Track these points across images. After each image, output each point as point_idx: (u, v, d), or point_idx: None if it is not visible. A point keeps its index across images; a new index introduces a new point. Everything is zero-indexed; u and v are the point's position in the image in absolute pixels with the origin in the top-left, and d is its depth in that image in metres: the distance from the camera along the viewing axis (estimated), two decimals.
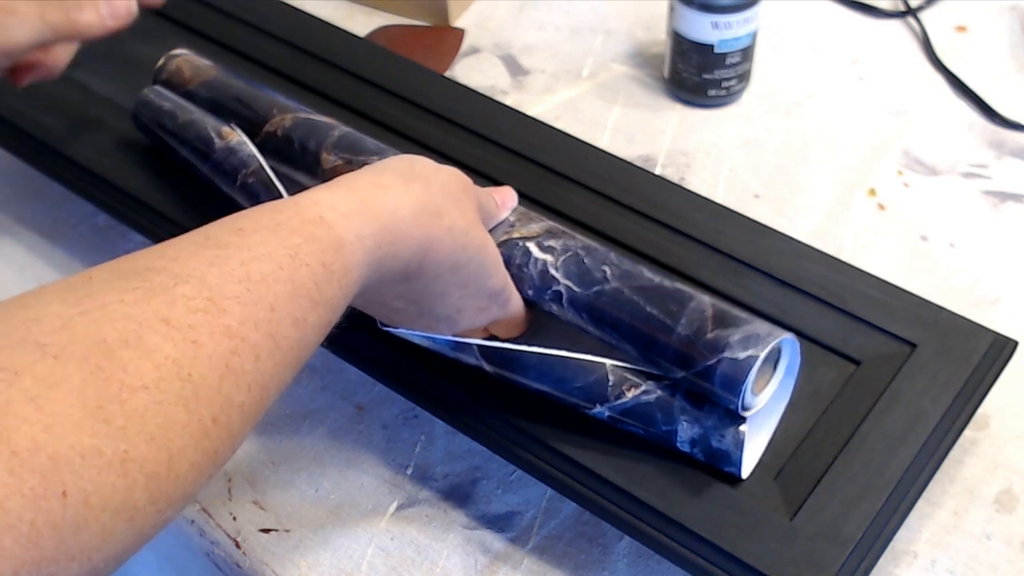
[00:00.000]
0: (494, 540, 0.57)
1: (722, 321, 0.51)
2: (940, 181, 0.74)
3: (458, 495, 0.59)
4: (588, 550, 0.57)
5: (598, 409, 0.53)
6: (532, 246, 0.56)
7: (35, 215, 0.75)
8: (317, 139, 0.61)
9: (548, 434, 0.54)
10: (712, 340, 0.50)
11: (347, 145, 0.60)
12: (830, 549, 0.49)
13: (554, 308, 0.56)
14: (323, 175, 0.60)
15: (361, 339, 0.58)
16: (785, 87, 0.82)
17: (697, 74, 0.78)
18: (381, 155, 0.59)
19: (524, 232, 0.57)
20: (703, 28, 0.75)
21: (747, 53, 0.78)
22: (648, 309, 0.52)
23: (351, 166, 0.58)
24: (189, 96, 0.67)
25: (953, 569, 0.55)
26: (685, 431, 0.52)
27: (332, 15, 0.86)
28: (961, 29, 0.85)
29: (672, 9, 0.77)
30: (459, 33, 0.86)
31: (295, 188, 0.55)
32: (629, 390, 0.53)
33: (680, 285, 0.54)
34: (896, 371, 0.55)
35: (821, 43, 0.85)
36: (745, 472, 0.52)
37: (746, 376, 0.49)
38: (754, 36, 0.77)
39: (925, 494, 0.54)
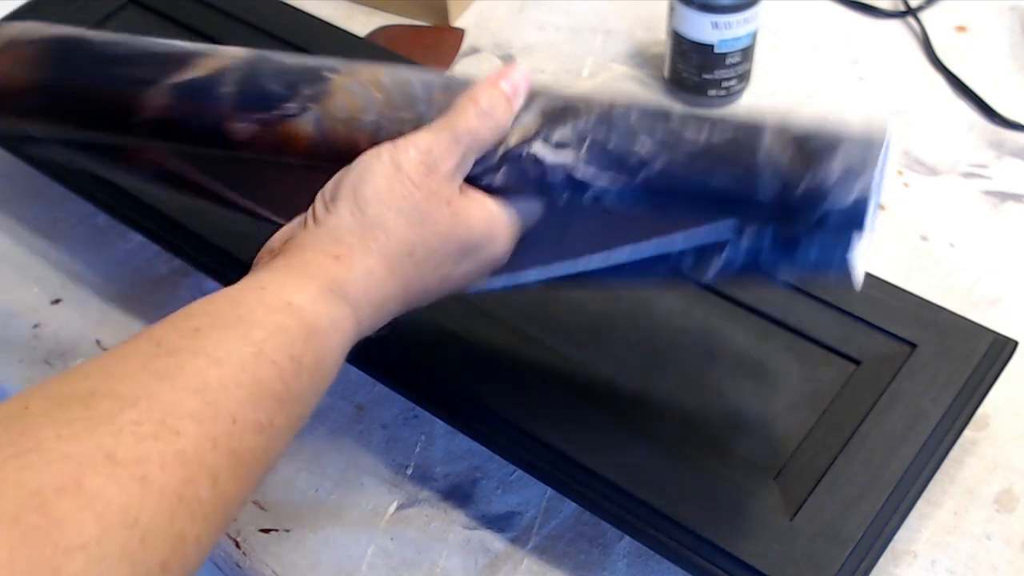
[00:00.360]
0: (494, 540, 0.57)
1: (806, 156, 0.42)
2: (940, 181, 0.74)
3: (458, 495, 0.59)
4: (588, 550, 0.57)
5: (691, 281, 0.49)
6: (540, 149, 0.47)
7: (35, 215, 0.75)
8: (211, 109, 0.52)
9: (548, 434, 0.54)
10: (806, 193, 0.42)
11: (255, 100, 0.51)
12: (830, 549, 0.49)
13: (599, 210, 0.46)
14: (238, 148, 0.52)
15: (361, 339, 0.58)
16: (785, 87, 0.82)
17: (697, 74, 0.78)
18: (302, 90, 0.51)
19: (520, 132, 0.47)
20: (703, 28, 0.75)
21: (747, 53, 0.78)
22: (714, 183, 0.44)
23: (272, 127, 0.51)
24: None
25: (953, 569, 0.55)
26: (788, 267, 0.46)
27: (332, 15, 0.86)
28: (961, 29, 0.85)
29: (672, 9, 0.77)
30: (459, 33, 0.86)
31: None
32: (712, 259, 0.46)
33: (732, 124, 0.45)
34: (896, 371, 0.55)
35: (821, 43, 0.85)
36: (858, 279, 0.45)
37: (861, 222, 0.42)
38: (754, 36, 0.77)
39: (925, 494, 0.54)
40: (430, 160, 0.45)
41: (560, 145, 0.46)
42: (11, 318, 0.68)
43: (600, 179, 0.46)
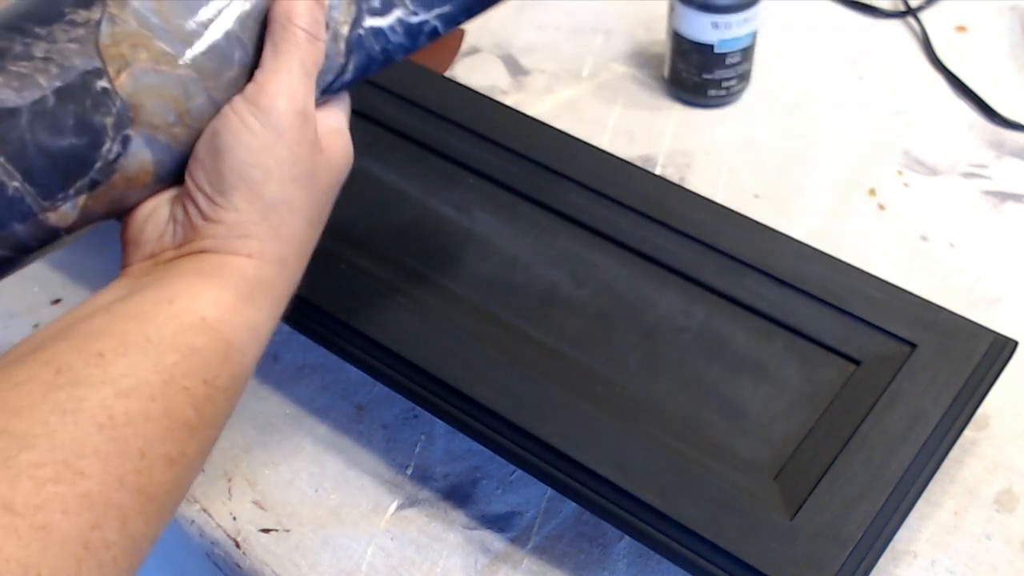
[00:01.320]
0: (494, 540, 0.57)
1: None
2: (940, 181, 0.74)
3: (458, 495, 0.59)
4: (588, 550, 0.57)
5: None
6: (375, 21, 0.45)
7: None
8: None
9: (548, 434, 0.54)
10: None
11: (57, 171, 0.40)
12: (830, 549, 0.49)
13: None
14: (72, 232, 0.42)
15: (362, 340, 0.58)
16: (785, 87, 0.82)
17: (697, 74, 0.78)
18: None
19: (345, 16, 0.44)
20: (703, 28, 0.75)
21: (747, 53, 0.78)
22: None
23: (102, 187, 0.41)
24: None
25: (953, 569, 0.55)
26: None
27: None
28: (961, 29, 0.85)
29: (672, 9, 0.77)
30: (459, 33, 0.86)
31: None
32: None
33: None
34: (896, 371, 0.55)
35: (821, 43, 0.85)
36: None
37: None
38: (754, 36, 0.77)
39: (925, 494, 0.54)
40: (298, 107, 0.41)
41: (386, 4, 0.45)
42: (11, 318, 0.68)
43: (432, 11, 0.45)
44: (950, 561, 0.55)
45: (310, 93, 0.42)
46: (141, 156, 0.42)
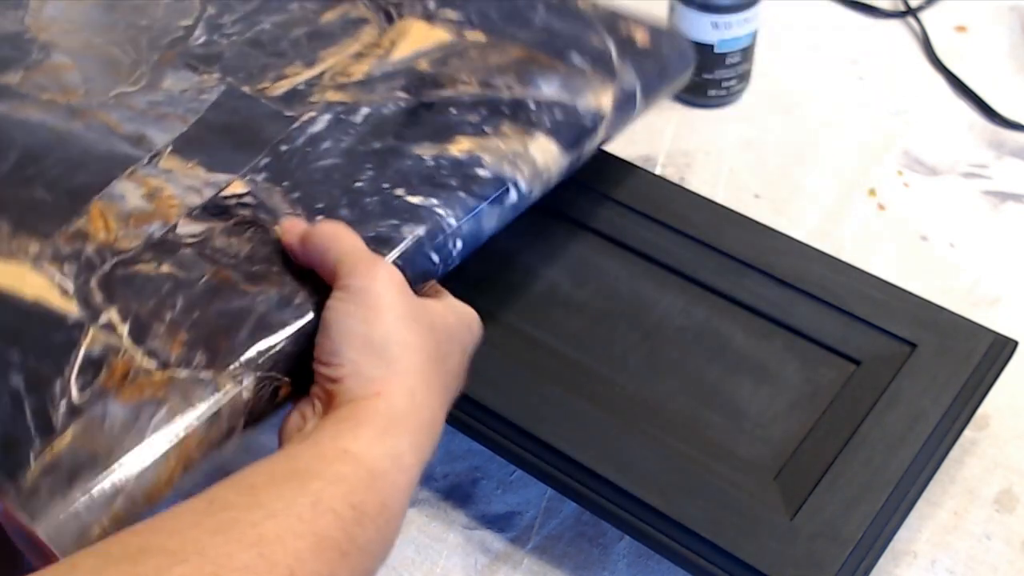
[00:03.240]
0: (494, 540, 0.57)
1: None
2: (940, 181, 0.74)
3: (458, 495, 0.59)
4: (588, 550, 0.57)
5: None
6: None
7: None
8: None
9: (548, 434, 0.54)
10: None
11: None
12: (830, 549, 0.49)
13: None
14: None
15: None
16: (785, 87, 0.82)
17: (697, 74, 0.78)
18: None
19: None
20: (703, 28, 0.75)
21: (747, 53, 0.78)
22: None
23: None
24: None
25: (953, 569, 0.55)
26: None
27: None
28: (961, 29, 0.85)
29: (672, 9, 0.77)
30: None
31: None
32: None
33: None
34: (896, 371, 0.55)
35: (821, 43, 0.85)
36: None
37: None
38: (754, 36, 0.77)
39: (925, 494, 0.54)
40: (392, 279, 0.45)
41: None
42: None
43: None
44: (950, 561, 0.55)
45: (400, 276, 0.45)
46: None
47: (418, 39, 0.60)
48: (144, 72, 0.59)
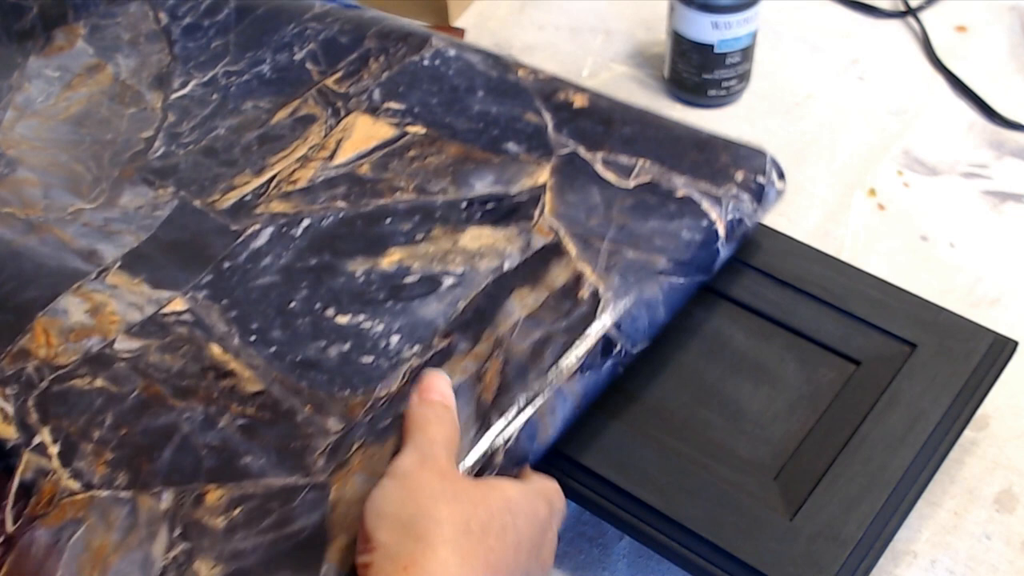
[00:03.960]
0: None
1: None
2: (940, 181, 0.74)
3: None
4: (588, 550, 0.57)
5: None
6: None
7: None
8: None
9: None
10: None
11: None
12: (830, 549, 0.49)
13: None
14: None
15: None
16: (785, 87, 0.82)
17: (697, 74, 0.78)
18: None
19: None
20: (703, 28, 0.75)
21: (747, 53, 0.78)
22: None
23: None
24: None
25: (953, 569, 0.55)
26: None
27: None
28: (961, 29, 0.85)
29: (672, 9, 0.77)
30: (459, 33, 0.86)
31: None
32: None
33: None
34: (896, 371, 0.55)
35: (821, 43, 0.85)
36: None
37: None
38: (754, 36, 0.77)
39: (925, 494, 0.54)
40: (423, 464, 0.45)
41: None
42: None
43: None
44: (950, 561, 0.55)
45: (440, 457, 0.45)
46: None
47: (361, 139, 0.61)
48: (104, 189, 0.61)
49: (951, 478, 0.58)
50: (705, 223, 0.56)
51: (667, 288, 0.54)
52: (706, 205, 0.56)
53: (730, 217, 0.56)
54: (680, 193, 0.57)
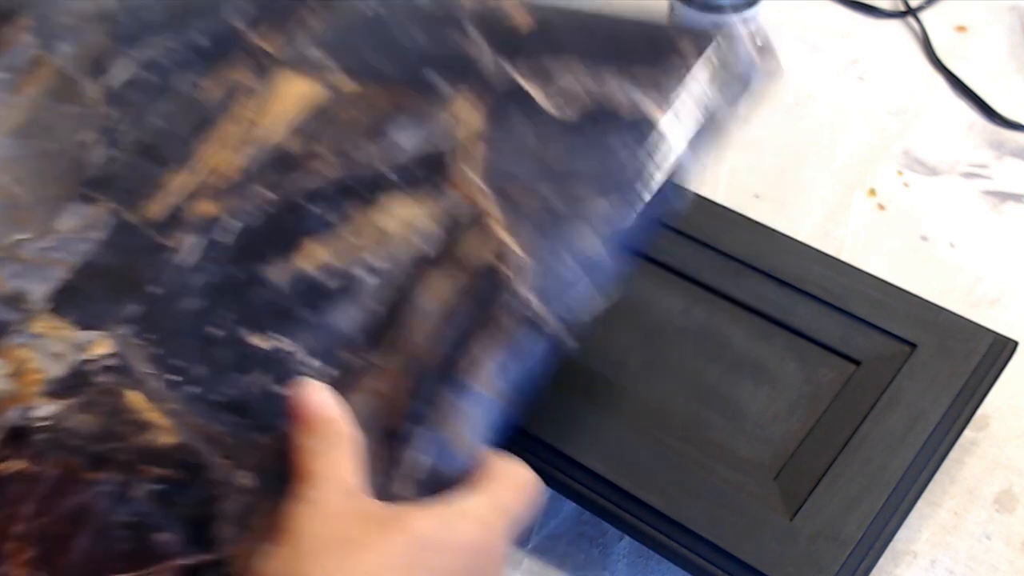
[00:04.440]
0: None
1: None
2: (940, 181, 0.74)
3: None
4: (588, 550, 0.57)
5: None
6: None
7: None
8: None
9: (548, 434, 0.54)
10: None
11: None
12: (830, 549, 0.49)
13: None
14: None
15: None
16: (785, 87, 0.82)
17: None
18: None
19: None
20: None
21: None
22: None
23: None
24: None
25: (953, 569, 0.55)
26: None
27: None
28: (961, 29, 0.85)
29: (672, 9, 0.77)
30: None
31: None
32: None
33: None
34: (896, 371, 0.55)
35: (821, 43, 0.85)
36: None
37: None
38: None
39: (925, 494, 0.54)
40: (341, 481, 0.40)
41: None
42: None
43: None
44: (950, 561, 0.55)
45: (332, 497, 0.40)
46: None
47: (289, 105, 0.53)
48: (41, 213, 0.53)
49: (951, 478, 0.58)
50: (650, 132, 0.49)
51: (609, 235, 0.46)
52: (650, 108, 0.49)
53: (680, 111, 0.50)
54: (624, 108, 0.49)
